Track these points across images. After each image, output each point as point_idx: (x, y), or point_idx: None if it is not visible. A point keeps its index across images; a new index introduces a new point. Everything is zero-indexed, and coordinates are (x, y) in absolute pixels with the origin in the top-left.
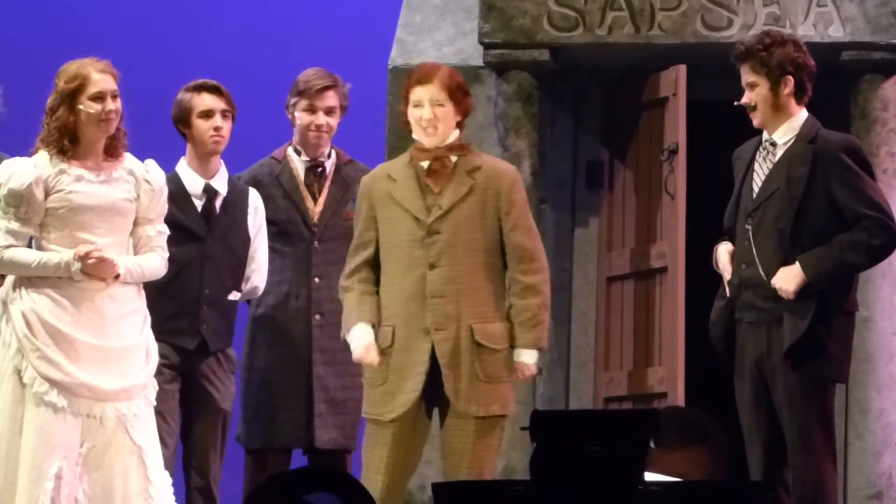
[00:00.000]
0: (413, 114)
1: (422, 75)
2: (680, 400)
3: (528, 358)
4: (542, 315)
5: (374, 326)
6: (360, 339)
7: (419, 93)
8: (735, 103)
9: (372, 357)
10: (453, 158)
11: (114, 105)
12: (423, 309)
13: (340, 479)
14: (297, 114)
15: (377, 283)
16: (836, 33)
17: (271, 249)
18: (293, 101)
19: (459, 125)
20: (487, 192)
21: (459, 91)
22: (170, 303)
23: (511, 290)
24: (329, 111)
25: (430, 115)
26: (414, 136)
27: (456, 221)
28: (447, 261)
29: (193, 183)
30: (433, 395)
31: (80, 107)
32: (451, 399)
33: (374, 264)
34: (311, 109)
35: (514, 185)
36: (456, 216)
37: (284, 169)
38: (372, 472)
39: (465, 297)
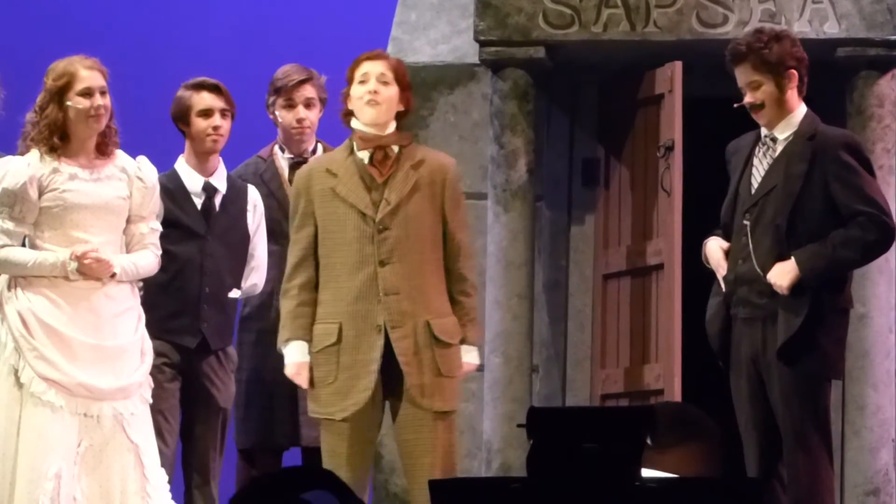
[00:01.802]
0: (357, 91)
1: (370, 53)
2: (677, 396)
3: (476, 355)
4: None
5: (308, 342)
6: (295, 357)
7: (366, 67)
8: (735, 105)
9: (304, 378)
10: (395, 148)
11: (102, 101)
12: (376, 306)
13: (333, 477)
14: (277, 111)
15: (317, 283)
16: (831, 30)
17: None
18: (272, 99)
19: (399, 118)
20: (434, 186)
21: (405, 80)
22: (170, 301)
23: (457, 287)
24: (308, 104)
25: (374, 87)
26: (353, 125)
27: (405, 217)
28: (398, 257)
29: (193, 181)
30: (386, 389)
31: (69, 103)
32: (415, 396)
33: (315, 263)
34: (290, 104)
35: (458, 180)
36: (405, 212)
37: (269, 167)
38: (334, 469)
39: (419, 293)
